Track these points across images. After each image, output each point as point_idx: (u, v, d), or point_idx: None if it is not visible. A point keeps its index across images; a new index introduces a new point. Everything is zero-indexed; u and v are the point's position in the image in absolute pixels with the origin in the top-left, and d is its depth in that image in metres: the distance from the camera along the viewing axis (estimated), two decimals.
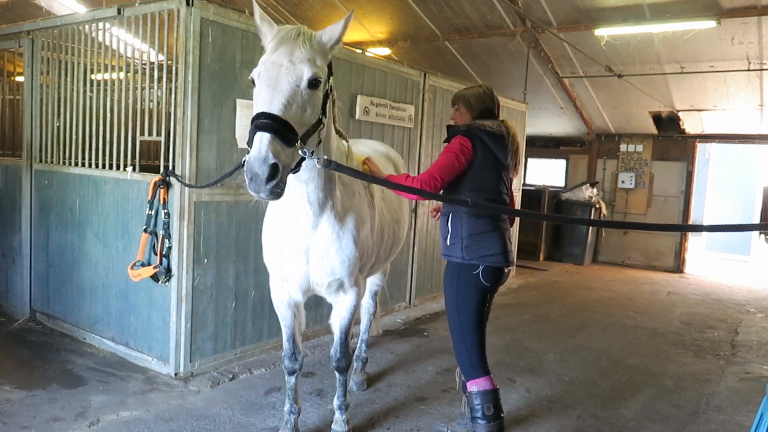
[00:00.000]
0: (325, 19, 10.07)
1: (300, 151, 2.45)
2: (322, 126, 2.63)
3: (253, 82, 2.51)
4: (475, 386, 3.16)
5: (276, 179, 2.30)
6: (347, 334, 3.42)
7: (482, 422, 3.10)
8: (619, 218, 11.63)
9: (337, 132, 3.10)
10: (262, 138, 2.29)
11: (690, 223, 11.35)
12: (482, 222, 3.17)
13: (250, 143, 2.35)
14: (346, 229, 3.10)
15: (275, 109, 2.36)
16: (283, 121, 2.35)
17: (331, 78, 2.73)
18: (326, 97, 2.66)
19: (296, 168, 2.57)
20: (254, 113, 2.40)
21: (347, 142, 3.31)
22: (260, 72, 2.47)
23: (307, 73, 2.46)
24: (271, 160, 2.27)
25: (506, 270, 3.26)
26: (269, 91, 2.41)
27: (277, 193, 2.35)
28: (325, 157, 2.63)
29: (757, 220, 13.01)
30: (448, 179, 3.13)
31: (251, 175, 2.28)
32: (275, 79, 2.42)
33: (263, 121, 2.32)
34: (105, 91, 4.79)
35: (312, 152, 2.54)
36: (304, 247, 3.05)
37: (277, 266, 3.22)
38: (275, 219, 3.16)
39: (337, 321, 3.38)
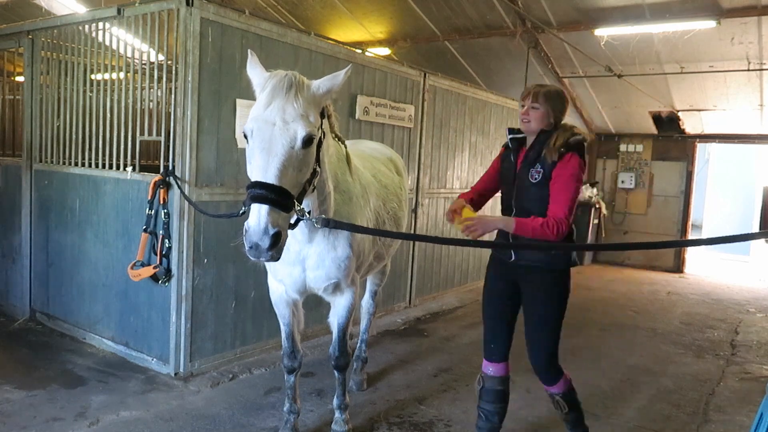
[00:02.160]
0: (325, 19, 10.07)
1: (297, 214, 2.47)
2: (317, 175, 2.62)
3: (245, 136, 2.46)
4: (566, 384, 3.21)
5: (278, 245, 2.32)
6: (345, 333, 3.44)
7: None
8: (618, 218, 11.63)
9: (336, 137, 3.11)
10: (260, 210, 2.28)
11: (690, 224, 11.34)
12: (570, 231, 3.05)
13: (246, 209, 2.35)
14: (342, 236, 3.10)
15: (271, 177, 2.33)
16: (279, 189, 2.33)
17: (324, 120, 2.69)
18: (320, 145, 2.61)
19: (294, 225, 2.56)
20: (251, 177, 2.39)
21: (345, 146, 3.31)
22: (253, 130, 2.40)
23: (301, 133, 2.39)
24: (272, 231, 2.28)
25: None
26: (264, 155, 2.36)
27: (277, 256, 2.36)
28: (323, 216, 2.64)
29: (756, 220, 13.02)
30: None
31: (251, 245, 2.29)
32: (269, 140, 2.36)
33: (260, 192, 2.30)
34: (105, 91, 4.79)
35: (309, 212, 2.56)
36: (300, 257, 3.08)
37: (275, 271, 3.24)
38: None
39: (335, 320, 3.40)
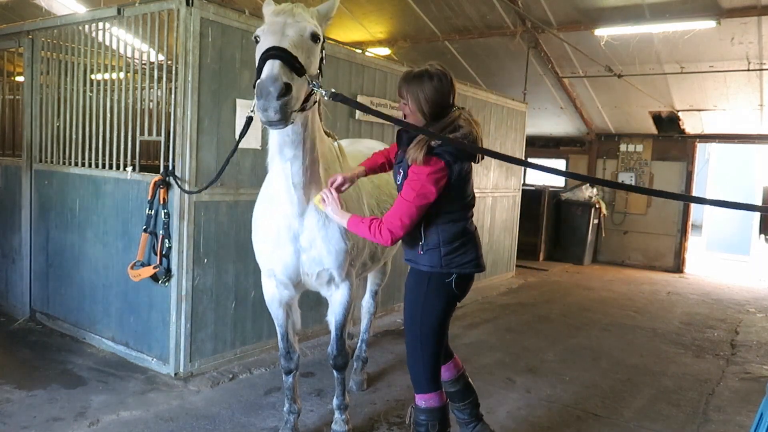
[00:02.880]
0: None
1: (309, 84, 2.54)
2: (318, 85, 2.64)
3: (256, 40, 2.60)
4: (423, 401, 2.92)
5: (287, 96, 2.35)
6: (343, 331, 3.43)
7: None
8: (618, 218, 11.63)
9: (325, 132, 3.14)
10: (273, 63, 2.37)
11: (690, 223, 11.33)
12: (458, 228, 2.85)
13: (258, 74, 2.41)
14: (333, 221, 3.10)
15: (285, 44, 2.46)
16: (291, 53, 2.44)
17: (324, 52, 2.83)
18: (321, 62, 2.78)
19: (305, 103, 2.61)
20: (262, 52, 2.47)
21: (336, 141, 3.32)
22: (264, 28, 2.59)
23: (309, 27, 2.60)
24: (284, 80, 2.35)
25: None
26: (276, 36, 2.51)
27: (285, 113, 2.38)
28: (333, 90, 2.62)
29: (756, 220, 13.01)
30: (420, 217, 2.73)
31: (263, 93, 2.33)
32: (281, 29, 2.54)
33: (273, 52, 2.41)
34: (105, 91, 4.79)
35: (321, 87, 2.59)
36: (290, 235, 3.06)
37: (266, 258, 3.21)
38: (263, 210, 3.19)
39: (332, 317, 3.40)
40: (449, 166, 2.69)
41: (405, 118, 2.82)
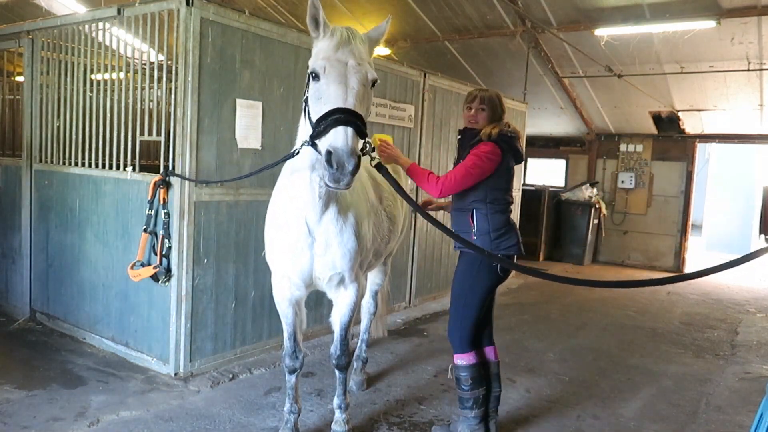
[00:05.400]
0: None
1: (366, 145, 2.61)
2: (373, 148, 2.78)
3: (312, 76, 2.60)
4: (461, 359, 3.46)
5: (359, 167, 2.43)
6: (347, 331, 3.44)
7: (466, 389, 3.46)
8: (618, 218, 11.63)
9: None
10: (347, 131, 2.41)
11: (690, 224, 11.33)
12: (503, 217, 3.45)
13: (319, 134, 2.46)
14: (348, 223, 3.16)
15: (350, 104, 2.49)
16: (359, 116, 2.48)
17: None
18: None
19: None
20: (327, 107, 2.49)
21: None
22: (325, 67, 2.56)
23: (371, 74, 2.63)
24: (357, 153, 2.41)
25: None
26: (341, 87, 2.52)
27: (349, 187, 2.47)
28: (379, 160, 2.80)
29: (756, 220, 13.02)
30: (470, 185, 3.35)
31: (338, 165, 2.38)
32: (344, 75, 2.55)
33: (345, 116, 2.44)
34: (105, 91, 4.79)
35: (374, 150, 2.74)
36: (308, 241, 3.10)
37: (280, 262, 3.24)
38: (279, 214, 3.20)
39: (338, 318, 3.40)
40: (503, 153, 3.35)
41: (476, 122, 3.49)
